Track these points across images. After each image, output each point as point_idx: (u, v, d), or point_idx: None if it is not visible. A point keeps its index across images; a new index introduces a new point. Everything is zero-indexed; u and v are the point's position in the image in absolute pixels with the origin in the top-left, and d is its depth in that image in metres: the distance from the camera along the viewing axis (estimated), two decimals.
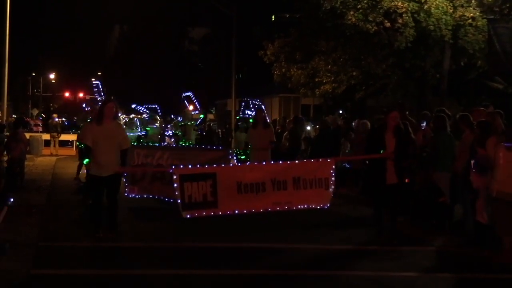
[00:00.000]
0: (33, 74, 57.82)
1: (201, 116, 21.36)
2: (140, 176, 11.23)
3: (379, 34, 18.66)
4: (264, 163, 10.95)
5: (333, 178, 8.93)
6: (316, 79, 23.02)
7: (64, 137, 28.93)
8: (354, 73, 22.10)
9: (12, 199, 9.75)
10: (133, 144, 15.73)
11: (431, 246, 8.96)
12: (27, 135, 19.74)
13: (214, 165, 9.28)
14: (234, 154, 13.05)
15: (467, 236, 9.17)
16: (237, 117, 27.65)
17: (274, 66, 24.58)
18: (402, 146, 9.08)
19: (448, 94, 20.46)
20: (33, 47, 46.19)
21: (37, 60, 52.87)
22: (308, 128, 19.00)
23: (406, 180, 9.70)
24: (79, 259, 7.79)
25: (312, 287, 6.89)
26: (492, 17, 16.97)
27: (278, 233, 9.50)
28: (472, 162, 8.64)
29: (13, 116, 38.48)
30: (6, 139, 15.11)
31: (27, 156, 17.82)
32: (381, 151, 9.03)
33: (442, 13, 17.48)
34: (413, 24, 17.72)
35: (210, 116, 43.07)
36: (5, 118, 23.49)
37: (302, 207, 9.02)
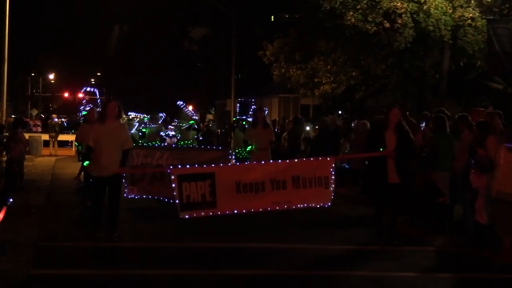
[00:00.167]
0: (33, 74, 57.71)
1: (190, 122, 21.31)
2: (139, 177, 11.22)
3: (378, 34, 18.68)
4: (263, 162, 10.94)
5: (333, 177, 8.91)
6: (316, 80, 22.96)
7: (63, 137, 28.93)
8: (353, 74, 22.05)
9: (11, 199, 9.72)
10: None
11: (431, 246, 8.96)
12: (27, 135, 19.70)
13: (213, 165, 9.26)
14: (234, 154, 13.04)
15: (467, 236, 9.18)
16: (234, 118, 27.58)
17: (273, 66, 24.53)
18: (403, 144, 8.88)
19: (448, 94, 20.46)
20: (32, 46, 46.00)
21: (37, 59, 52.72)
22: (308, 128, 18.94)
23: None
24: (79, 259, 7.78)
25: (312, 287, 6.90)
26: (491, 17, 16.98)
27: (278, 233, 9.49)
28: (472, 162, 8.65)
29: (13, 116, 38.36)
30: (5, 139, 15.08)
31: (27, 156, 17.82)
32: (381, 150, 8.91)
33: (442, 14, 17.47)
34: (413, 25, 17.71)
35: (210, 116, 43.00)
36: (4, 118, 23.43)
37: (302, 206, 9.01)
